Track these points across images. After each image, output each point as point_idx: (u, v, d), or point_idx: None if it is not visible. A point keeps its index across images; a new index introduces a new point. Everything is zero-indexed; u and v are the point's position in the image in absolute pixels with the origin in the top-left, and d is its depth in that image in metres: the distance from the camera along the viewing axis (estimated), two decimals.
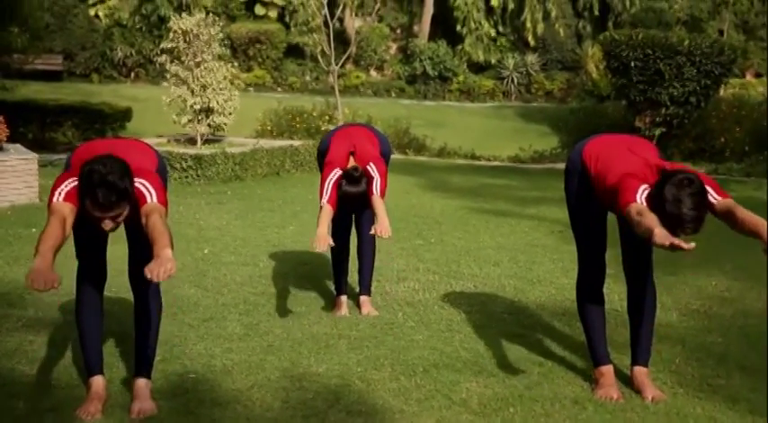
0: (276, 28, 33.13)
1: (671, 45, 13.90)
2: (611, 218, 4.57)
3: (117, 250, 4.48)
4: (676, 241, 3.53)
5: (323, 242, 5.22)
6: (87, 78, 29.76)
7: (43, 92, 21.45)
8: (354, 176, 5.58)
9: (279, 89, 31.61)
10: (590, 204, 4.54)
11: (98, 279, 4.35)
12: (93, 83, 29.22)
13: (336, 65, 25.64)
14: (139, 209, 3.88)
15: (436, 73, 34.12)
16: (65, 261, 4.15)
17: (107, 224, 3.82)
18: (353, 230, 6.09)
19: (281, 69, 33.00)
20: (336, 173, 5.57)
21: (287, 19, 33.40)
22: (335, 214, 5.68)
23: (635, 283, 4.62)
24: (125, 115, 16.65)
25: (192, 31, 12.03)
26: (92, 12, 33.87)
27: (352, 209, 5.84)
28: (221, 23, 12.78)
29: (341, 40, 31.77)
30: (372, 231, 5.43)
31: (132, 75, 31.36)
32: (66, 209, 3.79)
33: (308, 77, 32.81)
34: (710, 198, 3.96)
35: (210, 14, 12.69)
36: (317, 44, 28.77)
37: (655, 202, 3.87)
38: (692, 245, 3.52)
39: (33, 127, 15.24)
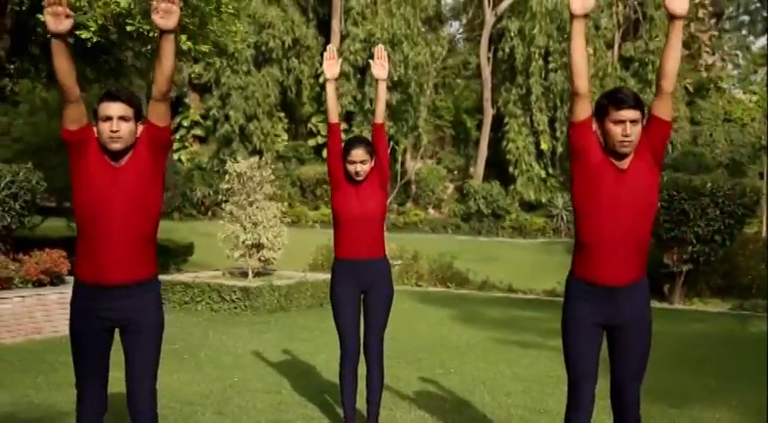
0: None
1: (695, 187, 13.81)
2: (603, 352, 4.43)
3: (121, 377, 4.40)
4: None
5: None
6: (169, 216, 30.44)
7: None
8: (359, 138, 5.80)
9: None
10: (583, 333, 4.41)
11: (98, 408, 4.23)
12: (175, 220, 29.86)
13: (397, 204, 25.84)
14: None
15: (490, 211, 34.33)
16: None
17: (112, 124, 3.91)
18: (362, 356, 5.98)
19: None
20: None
21: None
22: (344, 328, 5.79)
23: (622, 416, 4.45)
24: (188, 250, 16.94)
25: (245, 173, 12.33)
26: (175, 156, 35.04)
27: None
28: (272, 166, 13.04)
29: (401, 180, 32.25)
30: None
31: (209, 213, 32.05)
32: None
33: None
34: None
35: (263, 158, 12.98)
36: None
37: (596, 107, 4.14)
38: None
39: None
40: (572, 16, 4.05)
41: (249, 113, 34.25)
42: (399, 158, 33.11)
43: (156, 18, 3.87)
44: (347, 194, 5.69)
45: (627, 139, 4.04)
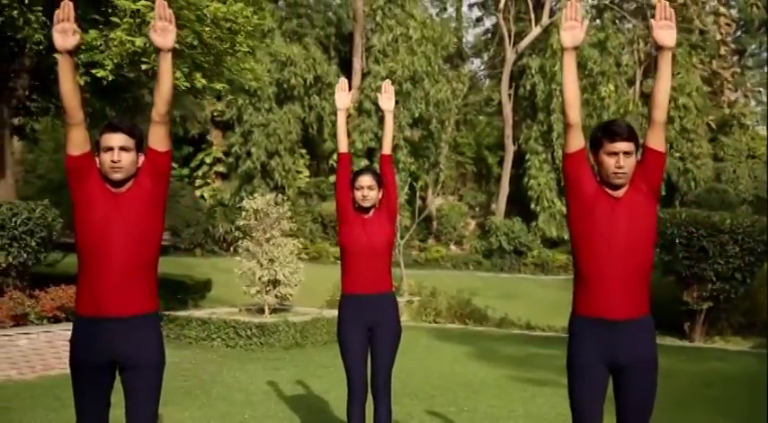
0: None
1: (713, 224, 13.66)
2: (609, 393, 4.36)
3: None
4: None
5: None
6: (191, 252, 30.50)
7: None
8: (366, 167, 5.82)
9: None
10: (587, 372, 4.34)
11: None
12: (196, 257, 29.89)
13: (418, 240, 25.70)
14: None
15: (512, 247, 34.16)
16: None
17: (113, 154, 3.94)
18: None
19: None
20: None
21: None
22: (353, 370, 5.69)
23: None
24: (205, 286, 16.96)
25: (262, 209, 12.37)
26: (198, 193, 35.22)
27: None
28: (289, 202, 13.09)
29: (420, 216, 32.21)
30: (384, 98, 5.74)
31: (231, 249, 32.09)
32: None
33: None
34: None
35: (279, 195, 13.03)
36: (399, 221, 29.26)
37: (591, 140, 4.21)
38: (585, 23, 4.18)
39: None
40: (563, 49, 4.22)
41: (271, 150, 34.42)
42: (419, 194, 33.07)
43: (153, 37, 3.94)
44: (354, 227, 5.68)
45: (620, 170, 4.06)
